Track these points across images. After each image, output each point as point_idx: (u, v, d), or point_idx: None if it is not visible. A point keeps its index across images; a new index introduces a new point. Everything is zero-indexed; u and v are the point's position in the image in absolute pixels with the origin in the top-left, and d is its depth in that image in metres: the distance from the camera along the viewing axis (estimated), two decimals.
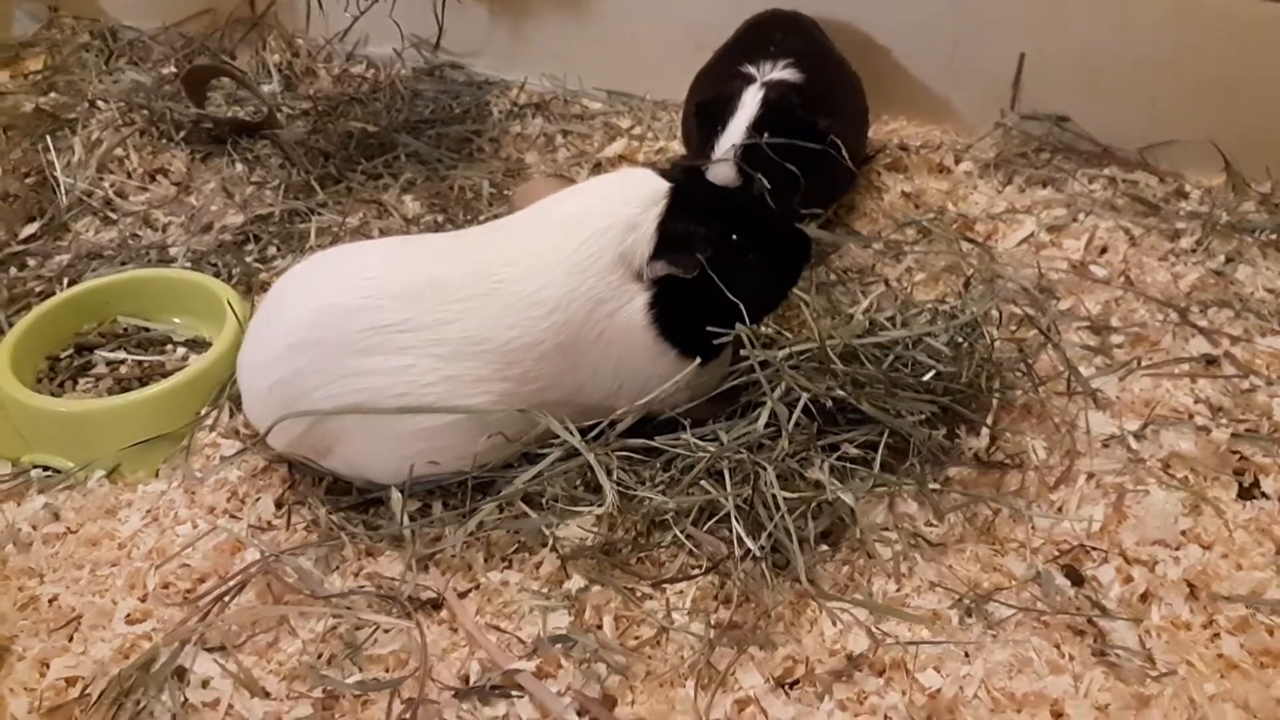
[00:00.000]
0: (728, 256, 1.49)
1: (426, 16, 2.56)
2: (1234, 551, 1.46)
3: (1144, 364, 1.76)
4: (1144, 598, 1.41)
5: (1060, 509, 1.52)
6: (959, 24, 2.25)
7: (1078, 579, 1.43)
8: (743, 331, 1.47)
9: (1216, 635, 1.36)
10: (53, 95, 2.52)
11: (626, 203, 1.51)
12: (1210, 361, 1.78)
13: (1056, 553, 1.46)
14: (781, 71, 1.96)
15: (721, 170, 1.85)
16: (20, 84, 2.62)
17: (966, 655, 1.32)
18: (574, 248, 1.49)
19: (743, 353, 1.49)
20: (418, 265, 1.52)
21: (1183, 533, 1.48)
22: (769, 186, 1.75)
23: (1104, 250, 2.04)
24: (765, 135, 1.85)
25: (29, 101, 2.49)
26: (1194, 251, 2.02)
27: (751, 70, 1.98)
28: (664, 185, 1.52)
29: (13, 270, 2.01)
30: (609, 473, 1.46)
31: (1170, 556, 1.45)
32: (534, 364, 1.47)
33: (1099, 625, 1.36)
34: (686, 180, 1.56)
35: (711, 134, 1.90)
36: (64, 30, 2.82)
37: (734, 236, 1.52)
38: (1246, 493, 1.56)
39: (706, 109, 1.96)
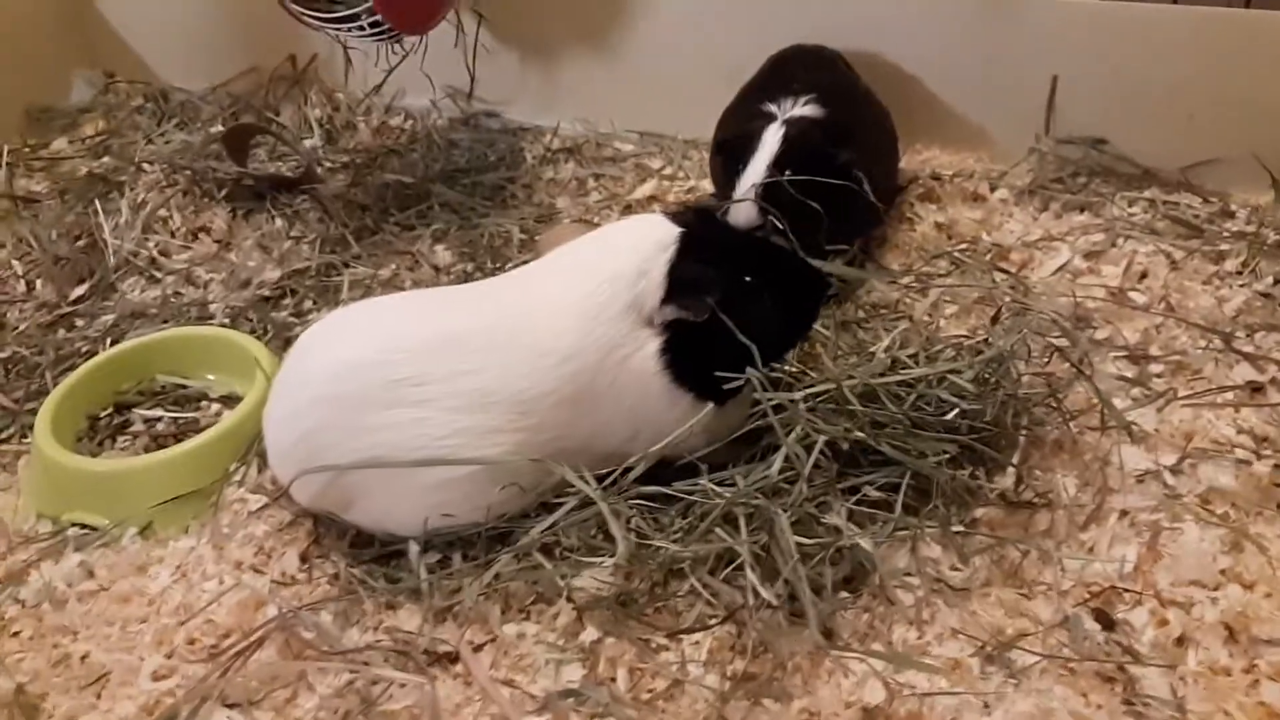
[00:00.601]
0: (740, 299, 1.48)
1: (461, 66, 2.60)
2: (1278, 591, 1.39)
3: (1183, 394, 1.69)
4: (1179, 642, 1.35)
5: (1091, 549, 1.47)
6: (989, 49, 2.21)
7: (1108, 623, 1.38)
8: (754, 375, 1.46)
9: (1257, 682, 1.29)
10: (106, 159, 2.61)
11: (636, 249, 1.50)
12: (1256, 389, 1.71)
13: (1087, 595, 1.41)
14: (803, 108, 1.95)
15: (743, 210, 1.84)
16: (77, 149, 2.72)
17: (986, 706, 1.28)
18: (584, 295, 1.49)
19: (756, 396, 1.48)
20: (434, 318, 1.54)
21: (1222, 572, 1.42)
22: (784, 227, 1.73)
23: (1144, 275, 1.98)
24: (787, 173, 1.83)
25: (85, 166, 2.58)
26: (1239, 274, 1.95)
27: (772, 108, 1.97)
28: (674, 230, 1.51)
29: (61, 331, 2.08)
30: (627, 521, 1.46)
31: (1208, 598, 1.39)
32: (547, 413, 1.48)
33: (1129, 672, 1.31)
34: (698, 223, 1.55)
35: (733, 173, 1.90)
36: (119, 95, 2.92)
37: (746, 278, 1.51)
38: None
39: (727, 148, 1.95)
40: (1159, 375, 1.76)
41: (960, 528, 1.48)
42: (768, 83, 2.10)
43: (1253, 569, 1.42)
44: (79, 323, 2.10)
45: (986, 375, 1.58)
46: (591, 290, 1.49)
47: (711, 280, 1.47)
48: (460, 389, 1.46)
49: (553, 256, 1.62)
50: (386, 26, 2.14)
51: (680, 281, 1.47)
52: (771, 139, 1.87)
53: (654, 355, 1.48)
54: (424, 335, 1.50)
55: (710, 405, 1.50)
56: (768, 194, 1.82)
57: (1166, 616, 1.37)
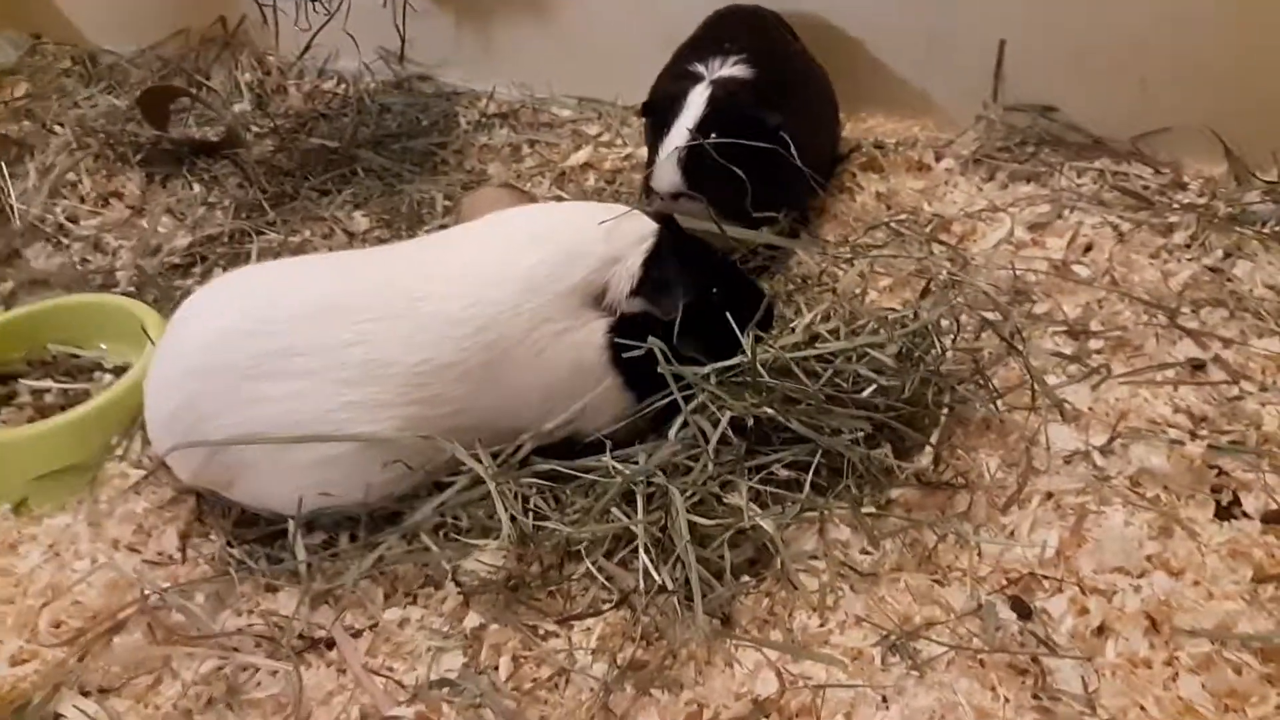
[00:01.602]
0: (703, 308, 1.44)
1: (393, 28, 2.49)
2: (1205, 579, 1.31)
3: (1120, 371, 1.61)
4: (1099, 632, 1.27)
5: (1011, 533, 1.39)
6: (936, 13, 2.11)
7: (1025, 611, 1.29)
8: (655, 344, 1.37)
9: (1176, 675, 1.21)
10: (26, 123, 2.50)
11: (614, 236, 1.46)
12: (1198, 367, 1.63)
13: (1004, 582, 1.33)
14: (732, 68, 1.85)
15: (664, 175, 1.75)
16: (0, 112, 2.61)
17: (884, 700, 1.20)
18: (533, 265, 1.43)
19: (659, 369, 1.39)
20: (323, 285, 1.46)
21: (1148, 558, 1.34)
22: (710, 203, 1.66)
23: (1089, 248, 1.89)
24: (712, 136, 1.74)
25: (3, 129, 2.47)
26: (1188, 247, 1.87)
27: (700, 68, 1.87)
28: (652, 225, 1.49)
29: None
30: (525, 501, 1.39)
31: (1130, 585, 1.31)
32: (448, 386, 1.39)
33: (1043, 664, 1.23)
34: (671, 225, 1.50)
35: (658, 136, 1.81)
36: (45, 56, 2.81)
37: (713, 290, 1.47)
38: (1225, 512, 1.41)
39: (651, 110, 1.86)
40: (1098, 351, 1.67)
41: (872, 509, 1.39)
42: (699, 42, 2.00)
43: (1181, 555, 1.34)
44: None
45: (911, 350, 1.49)
46: (539, 261, 1.43)
47: (687, 283, 1.44)
48: (347, 360, 1.38)
49: (484, 224, 1.54)
50: None
51: (658, 278, 1.44)
52: (697, 100, 1.78)
53: (600, 334, 1.43)
54: (306, 303, 1.41)
55: (609, 381, 1.42)
56: (690, 158, 1.73)
57: (1087, 605, 1.29)
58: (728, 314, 1.44)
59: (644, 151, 2.21)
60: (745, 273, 1.65)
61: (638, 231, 1.47)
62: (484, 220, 1.56)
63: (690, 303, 1.42)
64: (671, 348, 1.40)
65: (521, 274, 1.42)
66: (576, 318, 1.43)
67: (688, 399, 1.41)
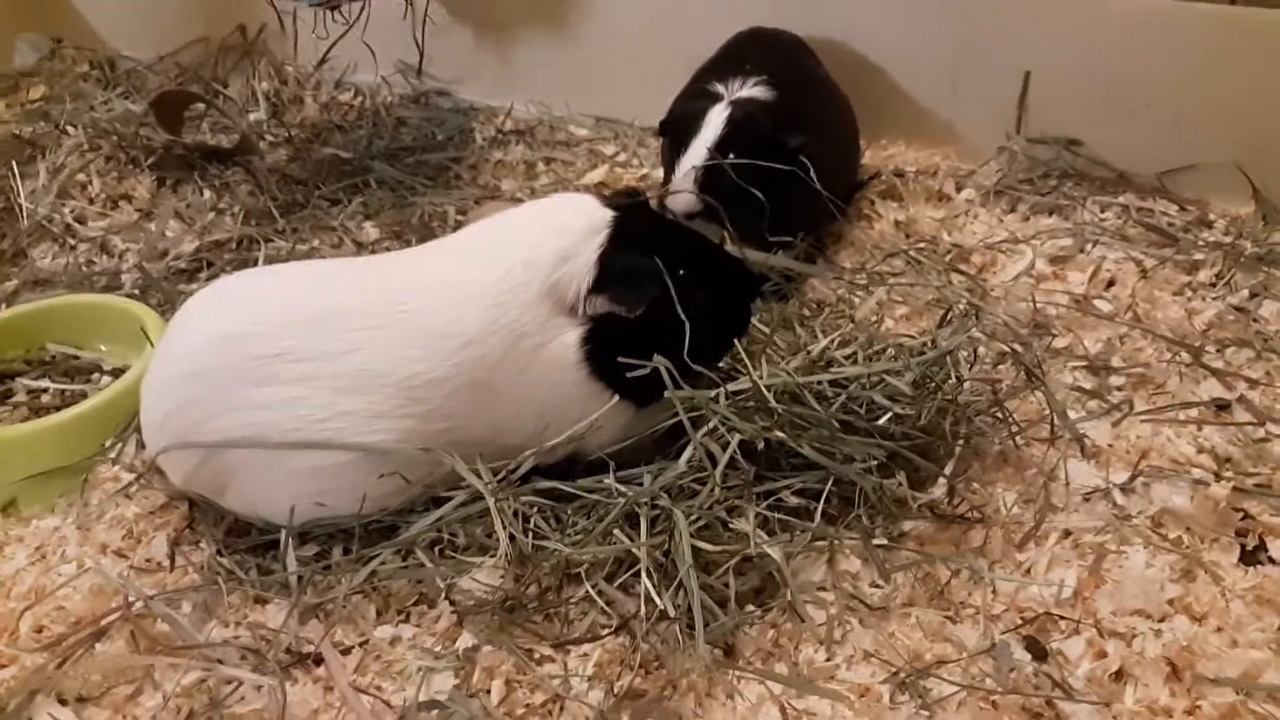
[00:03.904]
0: (676, 295, 1.33)
1: (413, 42, 2.48)
2: (1229, 625, 1.26)
3: (1142, 408, 1.56)
4: (1117, 677, 1.22)
5: (1027, 571, 1.34)
6: (961, 41, 2.09)
7: (1040, 653, 1.24)
8: (661, 364, 1.32)
9: None
10: (41, 124, 2.49)
11: (563, 231, 1.37)
12: (1222, 407, 1.58)
13: (1019, 621, 1.28)
14: (751, 89, 1.83)
15: (680, 195, 1.72)
16: (16, 114, 2.60)
17: None
18: (497, 277, 1.36)
19: (666, 393, 1.34)
20: (320, 291, 1.42)
21: (1169, 602, 1.29)
22: (723, 214, 1.61)
23: (1111, 283, 1.85)
24: (730, 156, 1.71)
25: (17, 130, 2.46)
26: (1213, 285, 1.83)
27: (720, 88, 1.84)
28: (606, 213, 1.38)
29: None
30: (524, 520, 1.34)
31: (1151, 629, 1.26)
32: (442, 401, 1.35)
33: (1058, 708, 1.17)
34: (631, 209, 1.42)
35: (675, 156, 1.78)
36: (65, 60, 2.81)
37: (681, 273, 1.36)
38: (1250, 557, 1.36)
39: (669, 128, 1.83)
40: (1119, 388, 1.63)
41: (884, 540, 1.35)
42: (719, 63, 1.98)
43: (1204, 600, 1.29)
44: None
45: (928, 378, 1.45)
46: (505, 272, 1.35)
47: (650, 273, 1.34)
48: (341, 368, 1.33)
49: (462, 233, 1.50)
50: None
51: (615, 271, 1.34)
52: (715, 120, 1.75)
53: (573, 346, 1.35)
54: (305, 308, 1.37)
55: (616, 399, 1.37)
56: (707, 178, 1.70)
57: (1105, 648, 1.24)
58: (707, 303, 1.35)
59: (660, 173, 2.19)
60: (730, 256, 1.53)
61: (590, 222, 1.37)
62: (461, 230, 1.52)
63: (660, 296, 1.33)
64: (648, 342, 1.32)
65: (490, 288, 1.34)
66: (551, 329, 1.35)
67: (695, 420, 1.36)
